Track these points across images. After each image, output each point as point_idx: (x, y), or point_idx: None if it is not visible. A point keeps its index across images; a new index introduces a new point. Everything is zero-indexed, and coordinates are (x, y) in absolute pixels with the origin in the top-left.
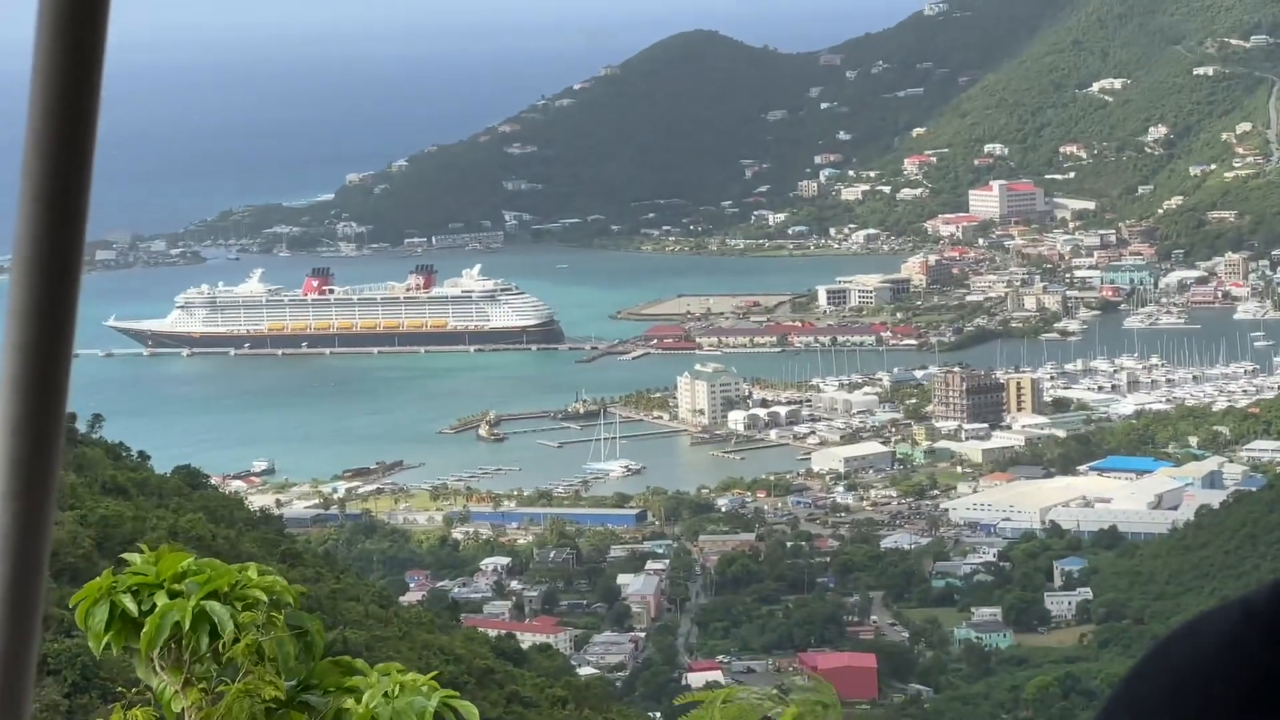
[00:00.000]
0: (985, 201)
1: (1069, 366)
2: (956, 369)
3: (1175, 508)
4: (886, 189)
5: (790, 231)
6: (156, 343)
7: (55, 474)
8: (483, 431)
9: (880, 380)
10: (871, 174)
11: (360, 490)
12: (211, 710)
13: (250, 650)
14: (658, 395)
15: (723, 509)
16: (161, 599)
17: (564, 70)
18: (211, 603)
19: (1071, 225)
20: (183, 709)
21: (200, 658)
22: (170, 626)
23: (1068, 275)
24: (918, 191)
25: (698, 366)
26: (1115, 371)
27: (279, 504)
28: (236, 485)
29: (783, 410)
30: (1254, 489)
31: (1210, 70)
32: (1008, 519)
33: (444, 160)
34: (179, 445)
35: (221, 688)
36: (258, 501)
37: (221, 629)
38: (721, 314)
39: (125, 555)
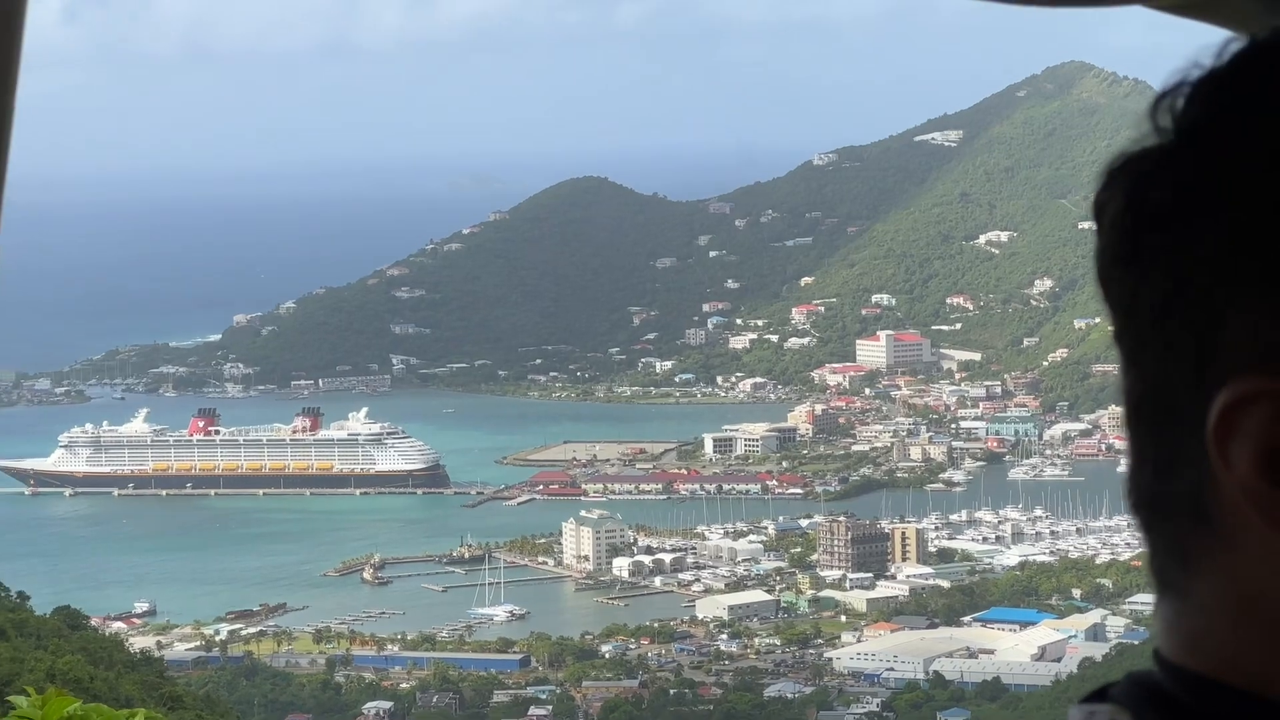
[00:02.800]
0: (872, 351)
1: (954, 517)
2: (842, 518)
3: (1059, 660)
4: (774, 338)
5: (677, 379)
6: (39, 482)
7: None
8: (367, 574)
9: (765, 528)
10: (759, 322)
11: (243, 632)
12: None
13: None
14: (543, 540)
15: (606, 655)
16: None
17: (453, 214)
18: None
19: (957, 376)
20: None
21: None
22: None
23: (953, 426)
24: (805, 340)
25: (583, 512)
26: (1000, 522)
27: (160, 645)
28: (118, 626)
29: (667, 557)
30: (1136, 642)
31: None
32: (891, 669)
33: (332, 303)
34: (59, 586)
35: None
36: (139, 643)
37: None
38: (607, 460)
39: (11, 698)
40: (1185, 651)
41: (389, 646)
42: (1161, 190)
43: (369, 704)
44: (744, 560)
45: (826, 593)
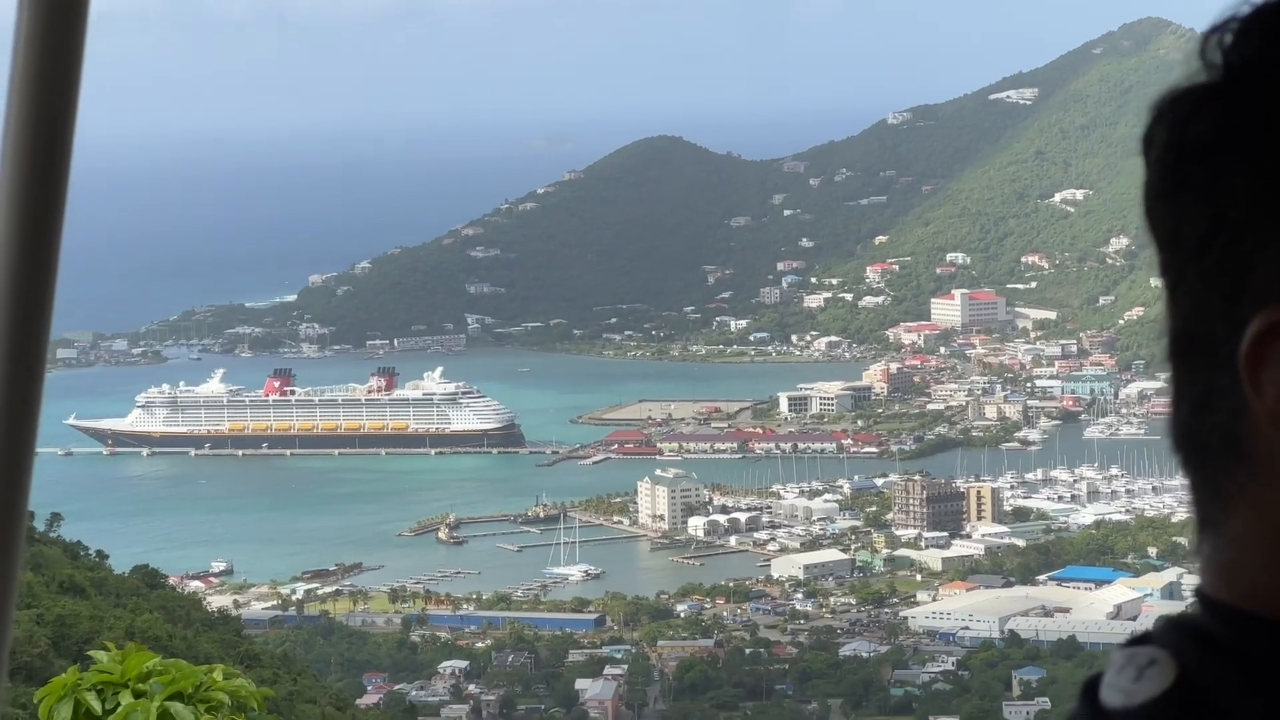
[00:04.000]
0: (947, 310)
1: (1029, 476)
2: (917, 477)
3: (1134, 618)
4: (849, 296)
5: (752, 338)
6: (116, 442)
7: (16, 572)
8: (442, 534)
9: (840, 487)
10: (834, 281)
11: (319, 592)
12: None
13: None
14: (618, 500)
15: (682, 614)
16: (126, 698)
17: (528, 174)
18: (175, 704)
19: (1033, 335)
20: None
21: None
22: None
23: (1028, 385)
24: (880, 299)
25: (658, 472)
26: (1075, 481)
27: (237, 605)
28: (195, 585)
29: (743, 516)
30: None
31: None
32: (966, 628)
33: (407, 262)
34: (138, 545)
35: None
36: (216, 602)
37: None
38: (683, 419)
39: (91, 652)
40: (1221, 586)
41: (464, 606)
42: (1203, 125)
43: (445, 663)
44: (819, 519)
45: (902, 552)
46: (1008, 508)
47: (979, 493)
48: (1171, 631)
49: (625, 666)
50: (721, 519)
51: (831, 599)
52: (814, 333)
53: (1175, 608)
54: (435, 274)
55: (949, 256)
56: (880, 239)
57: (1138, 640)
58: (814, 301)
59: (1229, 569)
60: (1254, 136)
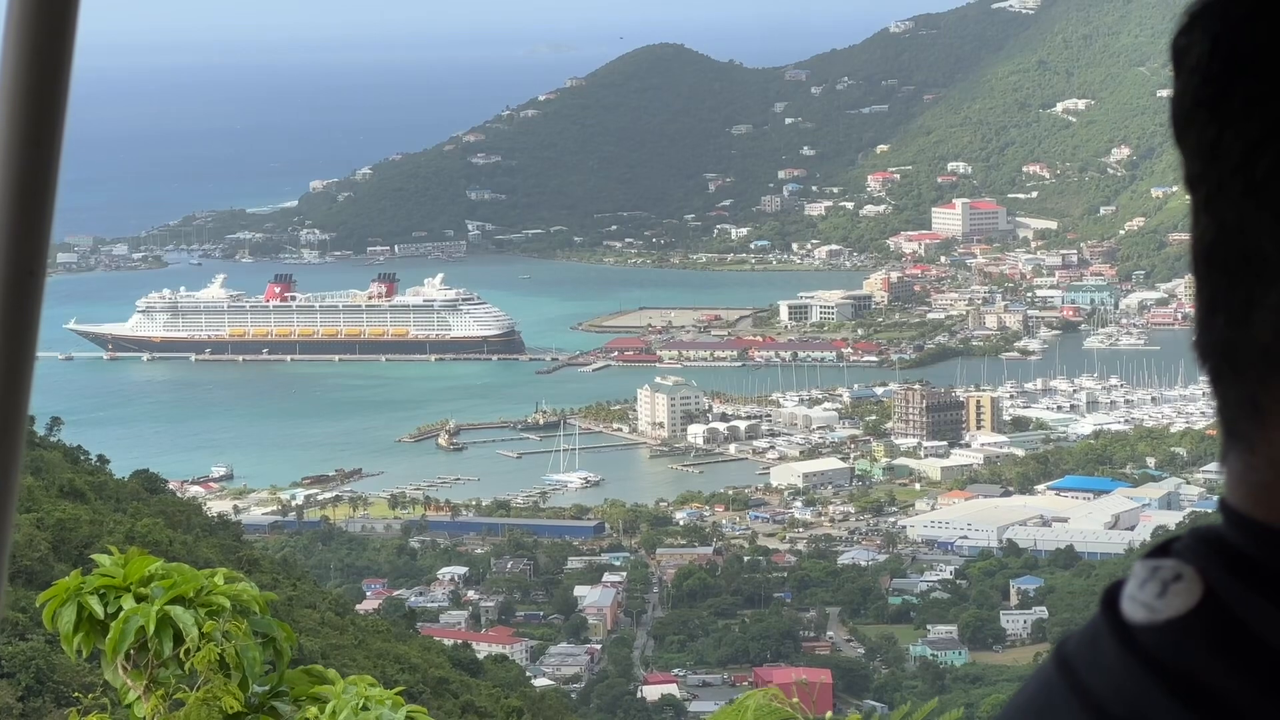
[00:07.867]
0: (948, 219)
1: (1029, 385)
2: (917, 386)
3: (1132, 528)
4: (849, 205)
5: (753, 246)
6: (117, 346)
7: (16, 477)
8: (442, 441)
9: (840, 396)
10: (835, 190)
11: (319, 497)
12: (171, 717)
13: (212, 658)
14: (618, 407)
15: (681, 522)
16: (128, 602)
17: (529, 81)
18: (176, 608)
19: (1033, 244)
20: (145, 714)
21: (165, 662)
22: (135, 631)
23: (1029, 294)
24: (881, 208)
25: (658, 379)
26: (1074, 391)
27: (237, 510)
28: (195, 491)
29: (742, 424)
30: (1210, 510)
31: None
32: (965, 537)
33: (408, 169)
34: (138, 450)
35: (180, 694)
36: (216, 507)
37: (185, 634)
38: (683, 327)
39: (94, 556)
40: (1253, 504)
41: (464, 512)
42: (1253, 33)
43: (444, 569)
44: (819, 427)
45: (901, 461)
46: (1007, 417)
47: (978, 402)
48: (1197, 545)
49: (624, 574)
50: (721, 427)
51: (830, 507)
52: (814, 241)
53: (1173, 518)
54: (436, 180)
55: (950, 165)
56: (881, 148)
57: (1160, 550)
58: (815, 210)
59: (1263, 488)
60: None
